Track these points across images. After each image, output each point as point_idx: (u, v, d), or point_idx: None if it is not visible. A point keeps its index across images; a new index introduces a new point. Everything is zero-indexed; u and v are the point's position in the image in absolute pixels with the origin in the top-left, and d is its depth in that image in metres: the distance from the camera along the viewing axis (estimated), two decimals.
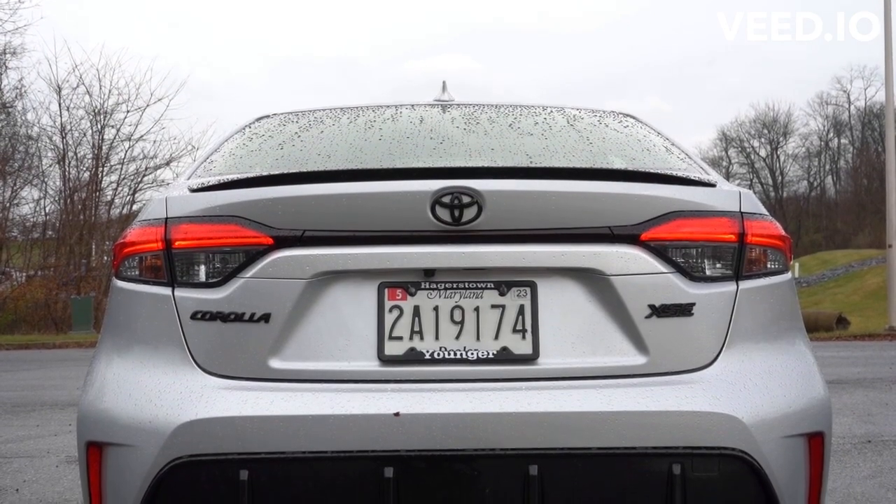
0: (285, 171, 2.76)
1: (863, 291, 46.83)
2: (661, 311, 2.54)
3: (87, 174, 40.94)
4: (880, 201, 36.48)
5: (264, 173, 2.78)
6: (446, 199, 2.49)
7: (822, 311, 32.88)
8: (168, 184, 3.48)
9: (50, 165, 41.31)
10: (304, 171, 2.81)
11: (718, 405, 2.48)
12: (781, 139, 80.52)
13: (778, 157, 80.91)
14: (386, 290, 2.54)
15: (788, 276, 2.75)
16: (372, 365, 2.51)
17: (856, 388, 10.45)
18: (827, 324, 28.22)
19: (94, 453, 2.57)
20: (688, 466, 2.44)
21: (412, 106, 3.63)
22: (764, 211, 2.74)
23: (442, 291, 2.55)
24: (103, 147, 40.55)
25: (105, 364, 2.66)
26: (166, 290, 2.59)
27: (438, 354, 2.51)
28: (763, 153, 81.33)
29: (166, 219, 2.61)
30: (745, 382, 2.55)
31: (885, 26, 24.89)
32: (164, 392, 2.51)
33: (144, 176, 40.99)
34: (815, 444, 2.62)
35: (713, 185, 2.74)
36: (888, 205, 25.41)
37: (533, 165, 2.95)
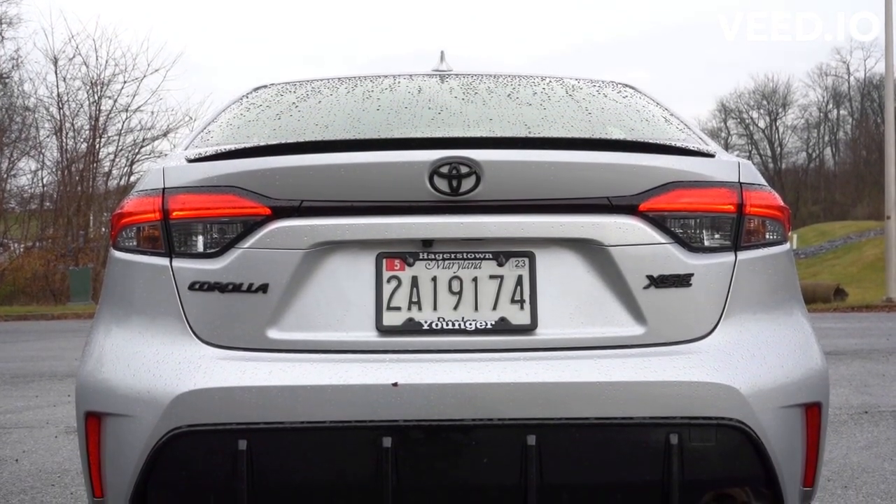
0: (283, 142, 2.75)
1: (861, 263, 46.86)
2: (660, 281, 2.54)
3: (84, 145, 40.92)
4: (879, 173, 36.40)
5: (262, 143, 2.77)
6: (444, 170, 2.48)
7: (820, 282, 32.91)
8: (166, 155, 3.47)
9: (47, 136, 41.33)
10: (302, 141, 2.80)
11: (716, 375, 2.49)
12: (780, 110, 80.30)
13: (777, 128, 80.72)
14: (384, 261, 2.54)
15: (787, 246, 2.75)
16: (370, 335, 2.51)
17: (853, 360, 10.48)
18: (825, 295, 28.26)
19: (93, 423, 2.57)
20: (685, 436, 2.45)
21: (410, 76, 3.61)
22: (763, 181, 2.73)
23: (440, 262, 2.54)
24: (100, 118, 40.52)
25: (103, 334, 2.66)
26: (164, 261, 2.58)
27: (437, 325, 2.51)
28: (762, 124, 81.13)
29: (163, 189, 2.60)
30: (743, 353, 2.55)
31: None
32: (163, 362, 2.51)
33: (142, 147, 41.02)
34: (812, 414, 2.62)
35: (712, 156, 2.73)
36: (887, 176, 25.39)
37: (531, 135, 2.94)
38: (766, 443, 2.49)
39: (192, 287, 2.55)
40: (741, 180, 2.65)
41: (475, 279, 2.54)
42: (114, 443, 2.53)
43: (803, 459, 2.61)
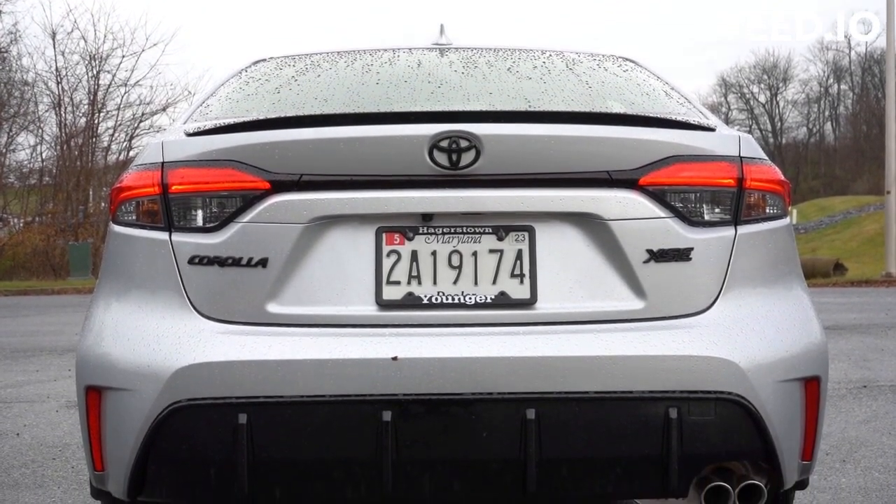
0: (282, 115, 2.74)
1: (860, 238, 46.86)
2: (660, 255, 2.54)
3: (83, 120, 40.83)
4: (879, 148, 36.35)
5: (261, 117, 2.76)
6: (444, 144, 2.47)
7: (820, 257, 32.95)
8: (165, 129, 3.46)
9: (46, 111, 41.23)
10: (301, 114, 2.79)
11: (715, 350, 2.49)
12: (781, 85, 79.92)
13: (777, 103, 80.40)
14: (384, 235, 2.54)
15: (787, 221, 2.75)
16: (370, 309, 2.51)
17: (852, 334, 10.51)
18: (824, 270, 28.31)
19: (94, 397, 2.58)
20: (684, 410, 2.45)
21: (410, 49, 3.59)
22: (763, 155, 2.72)
23: (440, 236, 2.54)
24: (99, 93, 40.40)
25: (103, 309, 2.66)
26: (163, 235, 2.58)
27: (436, 299, 2.51)
28: (762, 99, 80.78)
29: (163, 163, 2.60)
30: (743, 327, 2.55)
31: None
32: (163, 336, 2.51)
33: (141, 122, 40.93)
34: (811, 388, 2.63)
35: (712, 130, 2.72)
36: (887, 151, 25.37)
37: (531, 109, 2.93)
38: (765, 417, 2.49)
39: (191, 261, 2.55)
40: (741, 154, 2.64)
41: (475, 253, 2.54)
42: (114, 417, 2.53)
43: (802, 433, 2.62)
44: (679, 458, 2.45)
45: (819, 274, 27.30)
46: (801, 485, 2.78)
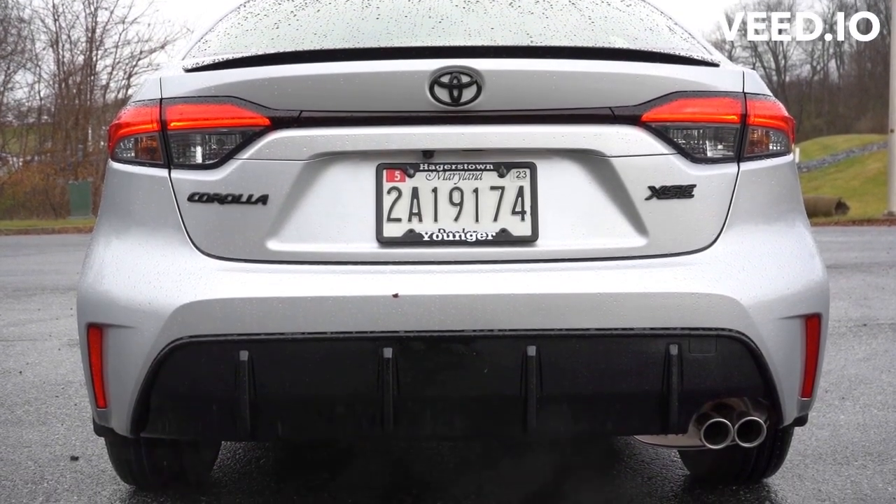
0: (281, 51, 2.71)
1: (863, 177, 46.69)
2: (662, 192, 2.53)
3: (81, 58, 40.57)
4: (883, 86, 36.06)
5: (260, 52, 2.73)
6: (445, 79, 2.45)
7: (822, 196, 32.88)
8: (163, 67, 3.43)
9: (43, 49, 41.06)
10: (301, 50, 2.76)
11: (717, 287, 2.49)
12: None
13: (781, 40, 79.71)
14: (384, 172, 2.52)
15: (790, 157, 2.73)
16: (370, 246, 2.50)
17: (853, 273, 10.52)
18: (826, 209, 28.29)
19: (95, 335, 2.58)
20: (685, 347, 2.45)
21: None
22: (767, 91, 2.69)
23: (441, 173, 2.52)
24: (97, 30, 40.11)
25: (103, 246, 2.65)
26: (162, 172, 2.57)
27: (437, 236, 2.50)
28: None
29: (161, 99, 2.57)
30: (744, 264, 2.55)
31: None
32: (163, 274, 2.51)
33: (139, 59, 40.67)
34: (812, 325, 2.63)
35: (716, 66, 2.69)
36: (891, 89, 25.23)
37: (533, 44, 2.89)
38: (766, 353, 2.50)
39: (191, 198, 2.53)
40: (745, 90, 2.62)
41: (476, 190, 2.52)
42: (116, 354, 2.54)
43: (802, 370, 2.62)
44: (679, 394, 2.46)
45: (821, 212, 27.30)
46: (800, 421, 2.80)
